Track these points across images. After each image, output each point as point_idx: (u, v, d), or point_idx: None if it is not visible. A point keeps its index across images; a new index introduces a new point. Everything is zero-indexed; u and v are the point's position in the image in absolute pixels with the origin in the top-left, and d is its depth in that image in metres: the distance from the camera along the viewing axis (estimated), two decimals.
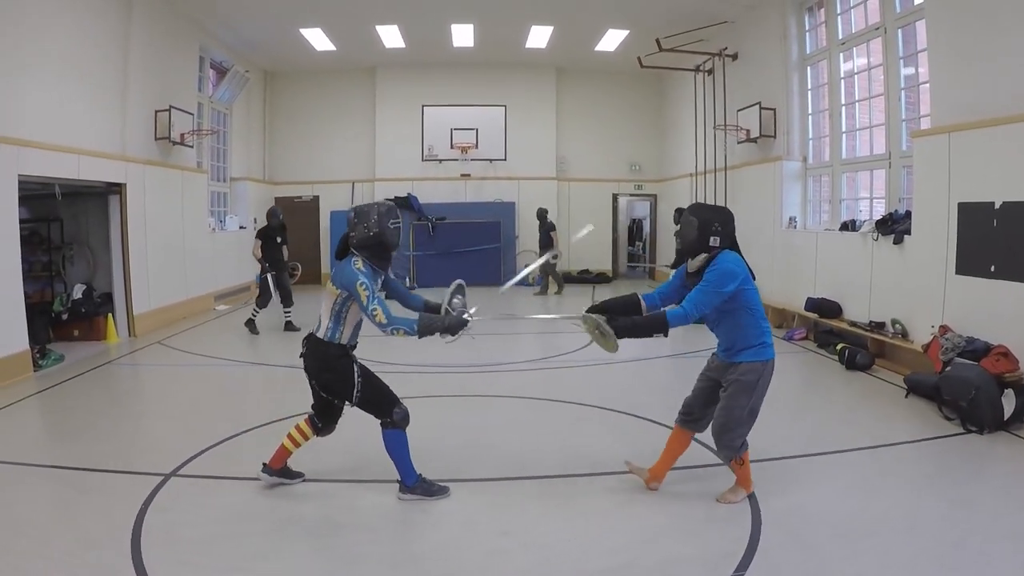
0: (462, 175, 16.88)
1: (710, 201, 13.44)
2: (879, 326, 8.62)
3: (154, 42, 11.42)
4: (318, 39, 14.17)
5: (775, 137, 11.47)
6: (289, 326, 11.03)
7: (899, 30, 8.83)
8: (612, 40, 14.33)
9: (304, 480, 4.75)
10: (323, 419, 4.58)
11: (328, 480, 4.82)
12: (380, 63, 16.49)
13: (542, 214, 15.18)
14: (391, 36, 14.06)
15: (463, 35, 14.06)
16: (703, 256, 4.01)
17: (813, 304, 10.04)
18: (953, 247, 7.27)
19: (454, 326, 4.26)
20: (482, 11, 13.02)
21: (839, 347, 8.64)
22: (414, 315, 4.35)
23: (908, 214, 8.45)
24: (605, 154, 17.89)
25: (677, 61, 13.85)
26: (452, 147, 16.43)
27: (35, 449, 5.81)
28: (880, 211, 9.33)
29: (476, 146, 16.50)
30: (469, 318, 4.33)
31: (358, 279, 4.12)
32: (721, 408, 4.15)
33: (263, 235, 10.90)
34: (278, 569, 3.70)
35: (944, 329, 7.14)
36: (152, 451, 5.52)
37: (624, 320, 4.06)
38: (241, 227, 15.28)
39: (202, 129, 12.63)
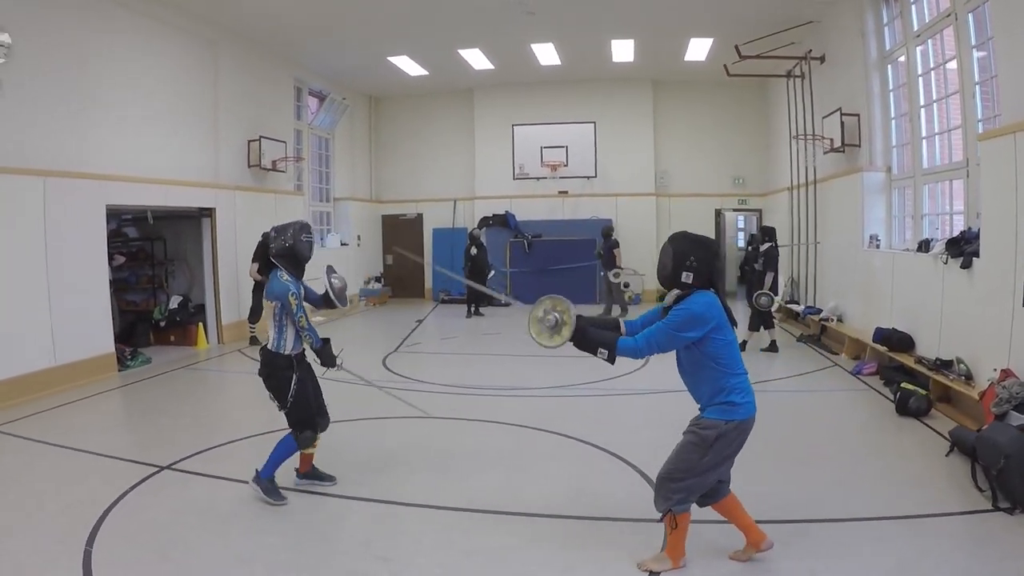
0: (559, 192, 16.80)
1: (805, 219, 12.58)
2: (946, 365, 7.29)
3: (243, 79, 12.48)
4: (408, 65, 14.73)
5: (859, 146, 10.52)
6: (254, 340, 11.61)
7: (969, 15, 7.57)
8: (699, 50, 13.77)
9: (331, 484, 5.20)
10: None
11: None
12: (476, 85, 16.88)
13: (607, 231, 14.83)
14: (476, 59, 14.34)
15: (546, 54, 14.06)
16: (675, 293, 3.68)
17: (882, 335, 8.90)
18: (1023, 275, 6.01)
19: (325, 358, 5.00)
20: (560, 30, 12.98)
21: (900, 387, 7.35)
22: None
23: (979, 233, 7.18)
24: (707, 168, 17.12)
25: (772, 67, 13.07)
26: (542, 165, 16.37)
27: (71, 433, 6.78)
28: (959, 228, 8.15)
29: (566, 164, 16.34)
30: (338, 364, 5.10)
31: (289, 290, 4.75)
32: (672, 454, 3.74)
33: (260, 257, 11.07)
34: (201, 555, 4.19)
35: (1005, 374, 5.91)
36: (168, 445, 6.25)
37: (586, 320, 3.77)
38: (343, 243, 16.11)
39: (291, 156, 13.42)
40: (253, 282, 11.28)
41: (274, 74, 13.53)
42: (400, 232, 17.72)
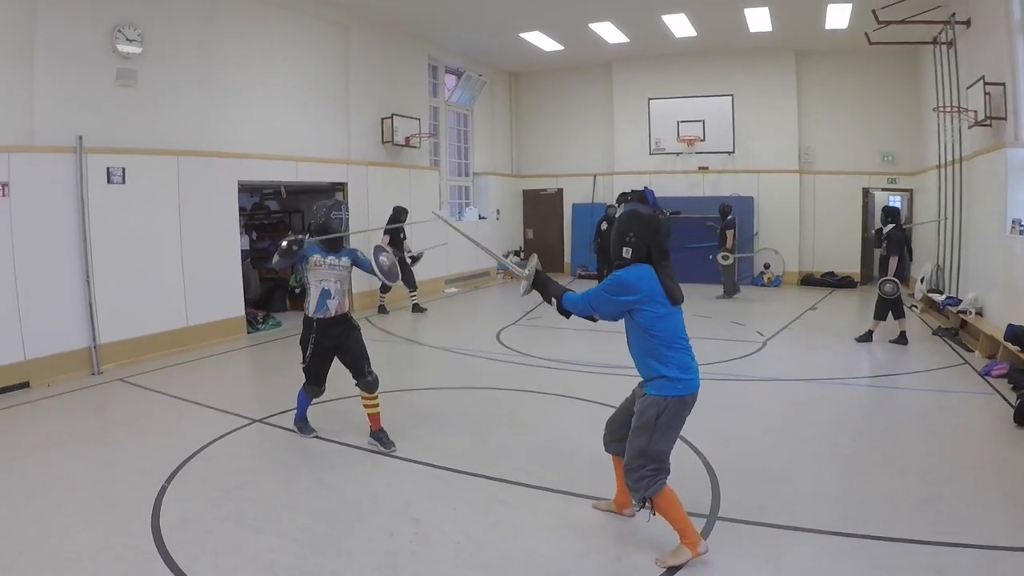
0: (700, 168, 16.27)
1: (951, 200, 11.43)
2: None
3: (376, 60, 13.19)
4: (542, 41, 14.82)
5: (1005, 119, 9.42)
6: (416, 307, 12.57)
7: None
8: (838, 16, 12.72)
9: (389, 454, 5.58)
10: (353, 374, 5.69)
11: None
12: (614, 59, 16.64)
13: (724, 209, 14.23)
14: (609, 32, 14.18)
15: (679, 25, 13.62)
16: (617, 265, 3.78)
17: (1013, 332, 7.93)
18: None
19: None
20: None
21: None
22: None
23: None
24: (854, 144, 15.76)
25: (916, 34, 11.90)
26: (679, 140, 15.90)
27: (187, 386, 7.79)
28: None
29: (703, 138, 15.78)
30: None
31: (312, 255, 5.49)
32: (627, 445, 3.80)
33: (389, 229, 12.06)
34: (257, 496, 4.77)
35: None
36: (268, 401, 7.01)
37: (544, 276, 4.01)
38: (481, 217, 16.63)
39: (424, 132, 13.99)
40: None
41: (408, 53, 14.16)
42: (541, 206, 18.00)
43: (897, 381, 7.91)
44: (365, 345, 5.72)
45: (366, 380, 5.58)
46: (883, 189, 16.12)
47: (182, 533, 4.20)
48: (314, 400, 5.98)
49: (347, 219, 5.69)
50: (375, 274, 5.63)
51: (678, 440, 3.84)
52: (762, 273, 15.59)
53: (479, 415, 6.67)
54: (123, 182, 8.88)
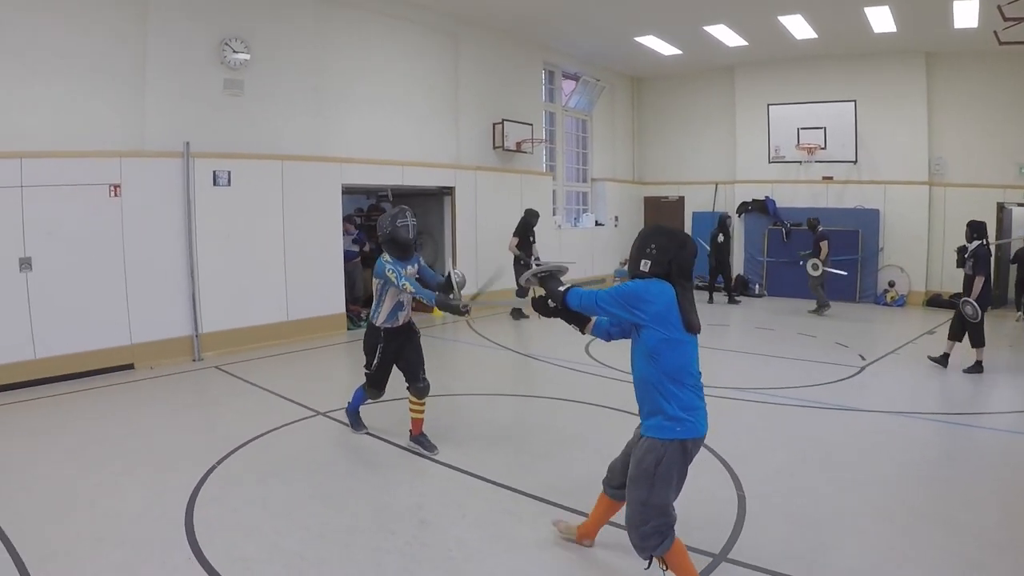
0: (824, 178, 15.26)
1: None
2: None
3: (486, 65, 13.44)
4: (658, 45, 14.52)
5: None
6: (518, 313, 12.48)
7: None
8: (966, 14, 11.50)
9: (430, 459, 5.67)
10: (407, 378, 5.79)
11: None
12: (736, 63, 15.94)
13: (813, 223, 13.38)
14: (725, 35, 13.68)
15: (797, 27, 12.90)
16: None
17: None
18: None
19: (452, 309, 5.28)
20: None
21: None
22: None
23: None
24: (989, 154, 14.12)
25: None
26: (798, 147, 15.03)
27: (271, 377, 8.31)
28: None
29: (823, 146, 14.79)
30: (466, 309, 5.33)
31: (387, 267, 5.42)
32: (627, 496, 3.45)
33: (521, 232, 12.09)
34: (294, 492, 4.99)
35: None
36: (342, 395, 7.05)
37: (556, 274, 3.76)
38: (598, 223, 16.54)
39: (535, 137, 14.10)
40: (512, 256, 12.14)
41: (520, 58, 14.30)
42: (662, 214, 17.64)
43: (996, 421, 6.95)
44: (422, 351, 5.85)
45: (418, 386, 5.68)
46: (1020, 204, 14.36)
47: (210, 509, 4.61)
48: (370, 401, 6.21)
49: (414, 224, 5.62)
50: (451, 286, 5.50)
51: (717, 465, 3.72)
52: (885, 291, 14.47)
53: (533, 425, 6.68)
54: (229, 185, 9.61)
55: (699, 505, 4.55)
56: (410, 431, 5.81)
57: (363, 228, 13.27)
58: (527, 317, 12.37)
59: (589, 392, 7.61)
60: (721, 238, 13.97)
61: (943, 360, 8.70)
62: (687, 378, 3.21)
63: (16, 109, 7.82)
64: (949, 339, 8.75)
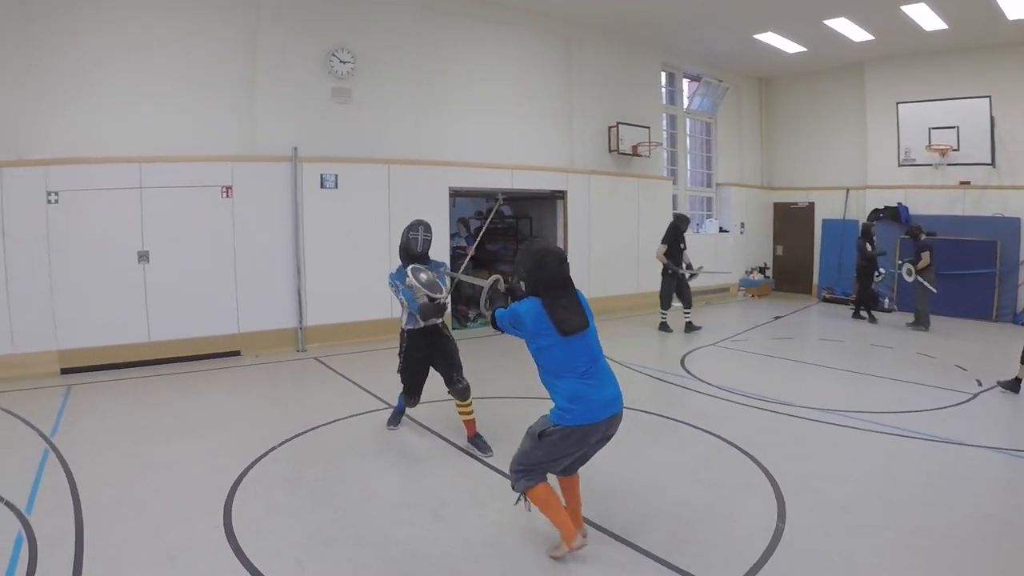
0: (960, 183, 13.72)
1: None
2: None
3: (601, 68, 13.38)
4: (778, 42, 13.80)
5: None
6: (689, 326, 11.43)
7: None
8: None
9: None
10: (444, 381, 5.87)
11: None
12: (866, 59, 14.69)
13: (915, 231, 11.96)
14: (848, 29, 12.77)
15: (924, 17, 11.82)
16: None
17: None
18: None
19: (429, 311, 5.61)
20: None
21: None
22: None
23: None
24: None
25: None
26: (928, 148, 13.56)
27: (361, 371, 8.61)
28: None
29: (956, 147, 13.27)
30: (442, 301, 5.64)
31: (389, 280, 5.74)
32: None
33: (669, 239, 11.32)
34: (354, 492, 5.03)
35: None
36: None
37: (504, 291, 4.24)
38: (722, 230, 15.98)
39: (652, 141, 13.86)
40: (661, 265, 11.46)
41: (636, 60, 14.02)
42: (790, 221, 16.70)
43: None
44: (458, 354, 5.88)
45: (456, 387, 5.73)
46: None
47: (250, 490, 4.90)
48: (408, 410, 6.26)
49: (425, 239, 5.79)
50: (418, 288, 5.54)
51: (768, 489, 4.04)
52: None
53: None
54: (336, 187, 10.15)
55: (730, 527, 4.29)
56: (467, 434, 5.84)
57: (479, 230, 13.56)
58: (699, 328, 11.50)
59: (664, 403, 7.25)
60: (869, 248, 12.85)
61: (1015, 385, 7.64)
62: (570, 372, 3.65)
63: (136, 119, 8.73)
64: (1021, 363, 7.55)
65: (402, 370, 5.89)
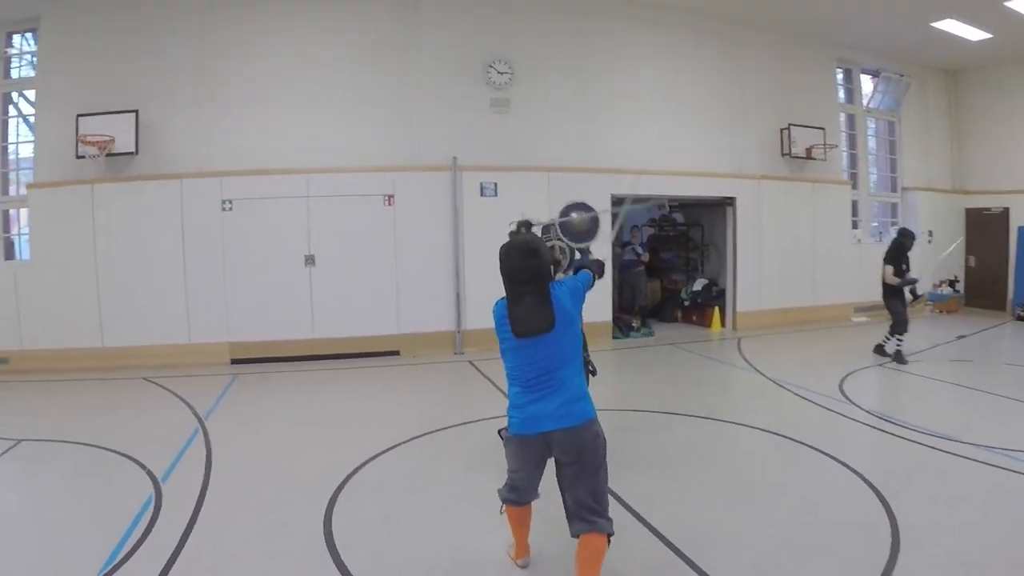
0: None
1: None
2: None
3: (771, 68, 12.58)
4: (960, 29, 12.36)
5: None
6: (899, 357, 9.31)
7: None
8: None
9: None
10: None
11: None
12: None
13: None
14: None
15: None
16: None
17: None
18: None
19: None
20: None
21: None
22: None
23: None
24: None
25: None
26: None
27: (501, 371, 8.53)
28: None
29: None
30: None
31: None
32: None
33: (892, 258, 9.55)
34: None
35: None
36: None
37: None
38: None
39: (827, 143, 12.87)
40: (883, 286, 9.66)
41: (807, 56, 13.00)
42: (980, 229, 14.76)
43: None
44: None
45: None
46: None
47: (357, 484, 4.93)
48: None
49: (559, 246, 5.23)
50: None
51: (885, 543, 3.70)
52: None
53: (710, 454, 5.68)
54: (495, 195, 10.12)
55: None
56: None
57: (650, 237, 13.13)
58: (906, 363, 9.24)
59: (805, 428, 6.17)
60: None
61: None
62: (515, 380, 3.31)
63: (304, 133, 9.24)
64: None
65: None
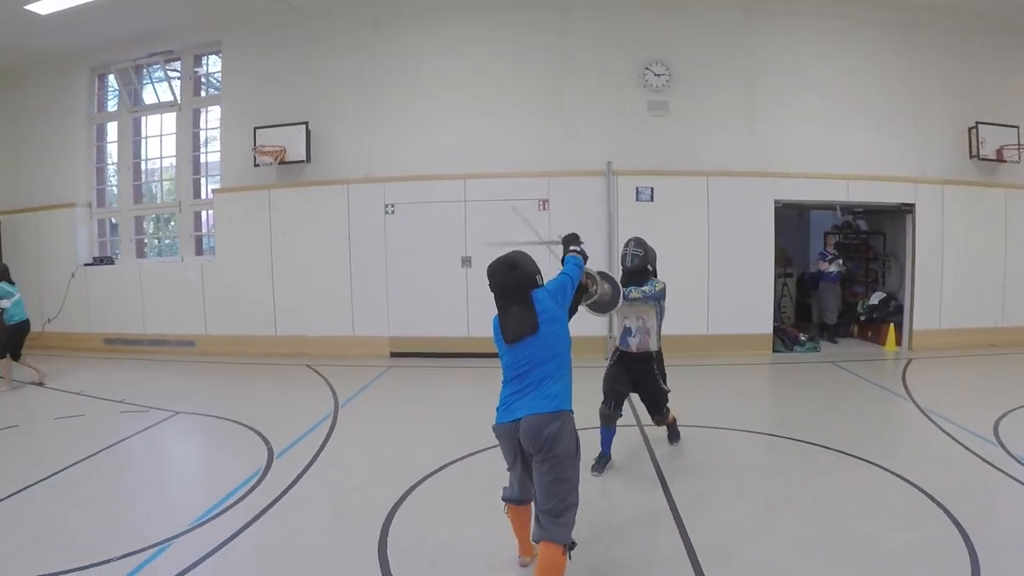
0: None
1: None
2: None
3: (951, 57, 11.44)
4: None
5: None
6: None
7: None
8: None
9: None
10: (648, 410, 5.74)
11: None
12: None
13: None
14: None
15: None
16: None
17: None
18: None
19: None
20: None
21: None
22: None
23: None
24: None
25: None
26: None
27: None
28: None
29: None
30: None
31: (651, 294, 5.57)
32: None
33: None
34: None
35: None
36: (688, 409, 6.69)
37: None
38: None
39: (1021, 144, 11.53)
40: None
41: (1000, 44, 11.61)
42: None
43: None
44: (662, 392, 5.56)
45: (657, 420, 5.72)
46: None
47: (427, 486, 5.05)
48: (610, 425, 5.47)
49: (635, 254, 5.56)
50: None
51: None
52: None
53: (772, 469, 5.29)
54: (651, 200, 9.87)
55: None
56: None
57: (837, 247, 12.26)
58: None
59: (930, 475, 5.07)
60: None
61: None
62: (506, 380, 3.56)
63: (461, 140, 9.53)
64: None
65: (603, 381, 5.59)
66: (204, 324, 10.91)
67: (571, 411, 3.48)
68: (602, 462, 5.39)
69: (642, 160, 9.86)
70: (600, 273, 4.71)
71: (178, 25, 10.79)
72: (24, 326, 8.82)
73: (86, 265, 11.85)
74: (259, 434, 6.32)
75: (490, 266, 3.57)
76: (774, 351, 10.48)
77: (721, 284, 10.08)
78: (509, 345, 3.48)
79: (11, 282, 8.82)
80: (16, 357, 8.72)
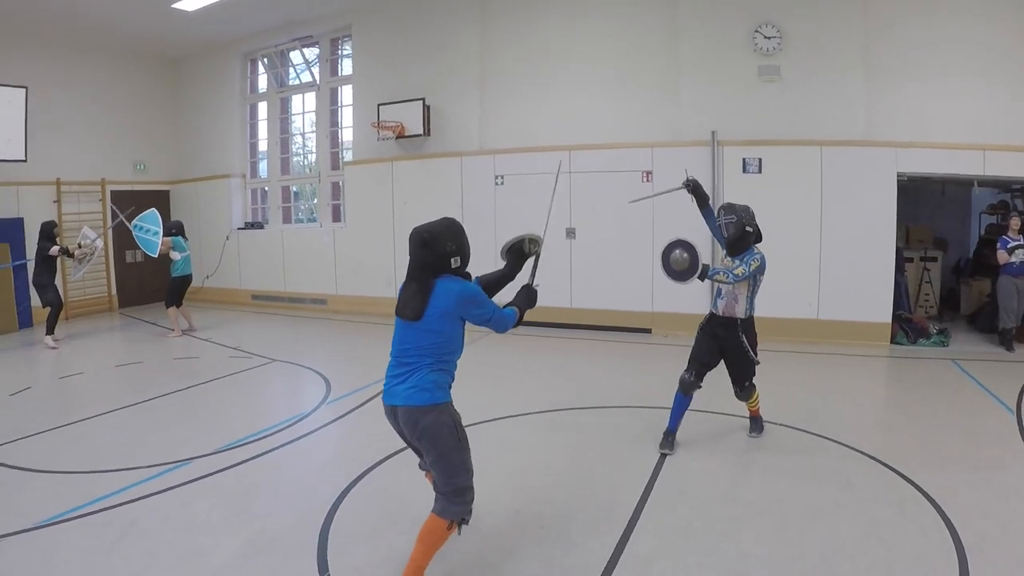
0: None
1: None
2: None
3: None
4: None
5: None
6: None
7: None
8: None
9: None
10: (732, 380, 5.48)
11: None
12: None
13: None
14: None
15: None
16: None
17: None
18: None
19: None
20: None
21: None
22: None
23: None
24: None
25: None
26: None
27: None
28: None
29: None
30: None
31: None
32: None
33: None
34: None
35: None
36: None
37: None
38: None
39: None
40: None
41: None
42: None
43: None
44: (749, 361, 5.27)
45: (738, 392, 5.48)
46: None
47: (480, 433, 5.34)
48: (688, 394, 5.28)
49: (727, 221, 5.47)
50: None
51: None
52: None
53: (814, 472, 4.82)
54: (759, 171, 9.63)
55: None
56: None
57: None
58: None
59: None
60: None
61: None
62: (391, 352, 3.42)
63: (567, 112, 9.68)
64: None
65: (693, 345, 5.43)
66: (335, 284, 12.03)
67: (447, 401, 3.33)
68: (669, 439, 5.24)
69: (749, 129, 9.56)
70: (681, 242, 5.36)
71: (318, 13, 11.81)
72: (187, 280, 10.15)
73: (239, 229, 13.23)
74: (327, 381, 7.39)
75: (413, 229, 3.39)
76: (894, 342, 9.36)
77: (834, 265, 9.42)
78: (397, 316, 3.36)
79: (185, 238, 10.17)
80: (178, 305, 10.04)
